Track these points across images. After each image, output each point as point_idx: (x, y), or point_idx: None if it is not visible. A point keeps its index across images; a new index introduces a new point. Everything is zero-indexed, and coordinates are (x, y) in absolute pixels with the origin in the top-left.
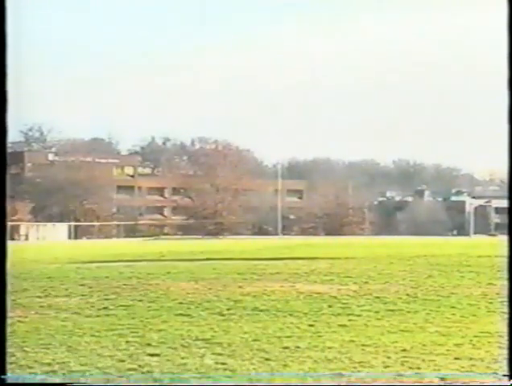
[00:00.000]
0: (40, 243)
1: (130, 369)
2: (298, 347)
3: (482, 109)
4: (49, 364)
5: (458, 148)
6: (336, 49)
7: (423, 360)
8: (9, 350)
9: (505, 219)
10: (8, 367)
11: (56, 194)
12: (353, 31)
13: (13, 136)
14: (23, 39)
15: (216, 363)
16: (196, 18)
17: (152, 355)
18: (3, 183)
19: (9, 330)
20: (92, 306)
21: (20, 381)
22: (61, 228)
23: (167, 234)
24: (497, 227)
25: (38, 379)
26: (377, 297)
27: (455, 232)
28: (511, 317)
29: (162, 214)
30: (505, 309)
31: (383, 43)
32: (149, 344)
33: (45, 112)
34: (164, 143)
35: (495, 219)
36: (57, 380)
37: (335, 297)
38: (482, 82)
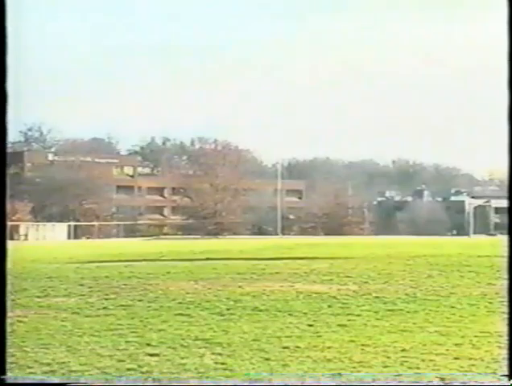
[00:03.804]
0: (40, 243)
1: (129, 369)
2: (297, 347)
3: (482, 109)
4: (49, 364)
5: (457, 148)
6: (335, 48)
7: (423, 360)
8: (8, 350)
9: (504, 219)
10: (7, 366)
11: (56, 194)
12: (351, 31)
13: (12, 136)
14: (23, 39)
15: (216, 362)
16: (199, 18)
17: (152, 354)
18: (3, 183)
19: (8, 329)
20: (92, 306)
21: (20, 381)
22: (61, 228)
23: (166, 234)
24: (496, 227)
25: (38, 379)
26: (377, 297)
27: (454, 232)
28: (511, 317)
29: (161, 214)
30: (505, 309)
31: (382, 44)
32: (148, 344)
33: (45, 112)
34: (164, 143)
35: (495, 219)
36: (57, 380)
37: (334, 297)
38: (482, 82)
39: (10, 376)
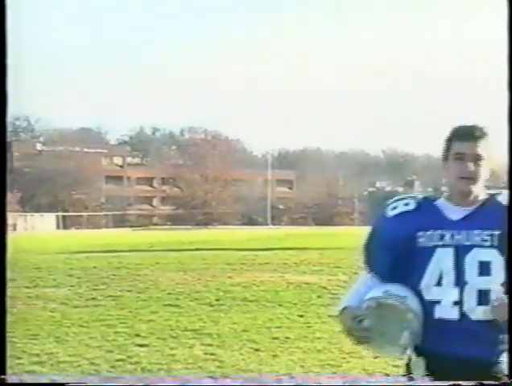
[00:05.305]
0: (28, 233)
1: (118, 360)
2: (287, 338)
3: (471, 98)
4: (37, 355)
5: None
6: (326, 41)
7: None
8: None
9: None
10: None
11: (45, 184)
12: (346, 26)
13: None
14: (10, 29)
15: (206, 353)
16: (187, 11)
17: (141, 345)
18: (3, 179)
19: None
20: (81, 297)
21: (20, 381)
22: (49, 218)
23: (156, 224)
24: None
25: (38, 379)
26: None
27: None
28: (511, 316)
29: (151, 204)
30: None
31: (376, 39)
32: (138, 335)
33: (32, 101)
34: (153, 133)
35: None
36: (57, 380)
37: (324, 288)
38: (470, 71)
39: (10, 376)
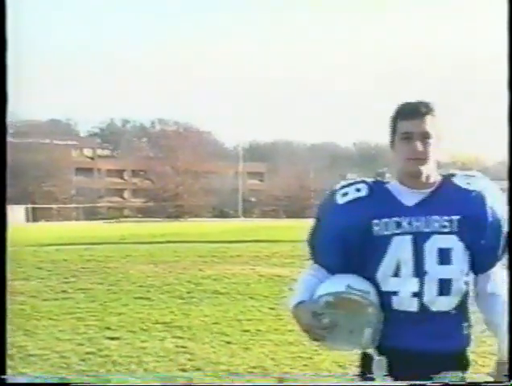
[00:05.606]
0: None
1: (88, 353)
2: (259, 330)
3: (471, 98)
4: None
5: None
6: (300, 33)
7: None
8: None
9: None
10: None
11: (14, 176)
12: (346, 26)
13: None
14: None
15: (177, 346)
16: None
17: (111, 338)
18: (3, 173)
19: None
20: (51, 290)
21: (20, 381)
22: (18, 211)
23: (127, 216)
24: None
25: (38, 379)
26: None
27: None
28: (511, 316)
29: (122, 196)
30: None
31: (377, 39)
32: (108, 328)
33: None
34: (124, 125)
35: None
36: (60, 380)
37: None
38: (470, 71)
39: (10, 376)
